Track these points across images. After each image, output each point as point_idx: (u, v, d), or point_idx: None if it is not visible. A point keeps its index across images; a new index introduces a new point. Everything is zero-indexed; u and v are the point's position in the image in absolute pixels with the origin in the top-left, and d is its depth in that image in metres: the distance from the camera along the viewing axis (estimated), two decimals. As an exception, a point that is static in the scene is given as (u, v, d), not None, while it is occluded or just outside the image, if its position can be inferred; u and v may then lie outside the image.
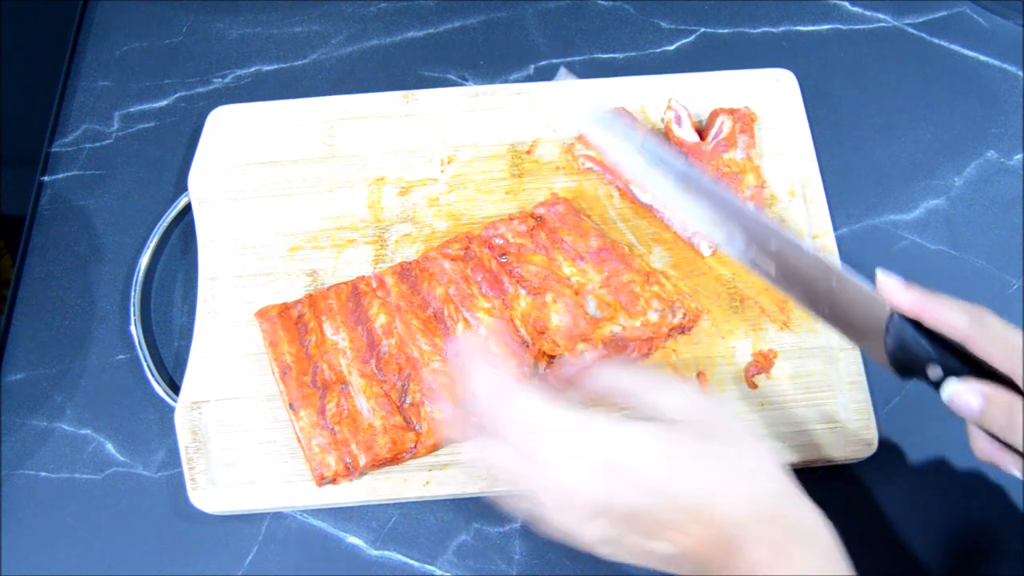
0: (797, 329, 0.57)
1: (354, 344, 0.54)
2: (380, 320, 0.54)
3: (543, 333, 0.54)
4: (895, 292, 0.44)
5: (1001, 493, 0.54)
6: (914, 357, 0.43)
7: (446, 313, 0.55)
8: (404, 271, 0.56)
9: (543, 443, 0.39)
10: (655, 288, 0.55)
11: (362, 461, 0.51)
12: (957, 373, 0.42)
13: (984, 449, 0.43)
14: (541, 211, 0.58)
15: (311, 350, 0.54)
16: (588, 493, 0.38)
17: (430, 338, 0.54)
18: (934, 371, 0.42)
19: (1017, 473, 0.42)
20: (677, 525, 0.38)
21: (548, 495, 0.39)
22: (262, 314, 0.55)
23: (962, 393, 0.41)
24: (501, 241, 0.57)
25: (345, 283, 0.56)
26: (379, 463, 0.52)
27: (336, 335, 0.54)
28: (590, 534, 0.39)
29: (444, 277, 0.56)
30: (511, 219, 0.58)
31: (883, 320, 0.44)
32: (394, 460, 0.52)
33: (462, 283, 0.55)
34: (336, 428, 0.52)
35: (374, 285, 0.56)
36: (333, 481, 0.52)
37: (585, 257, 0.56)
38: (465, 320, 0.55)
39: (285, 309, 0.55)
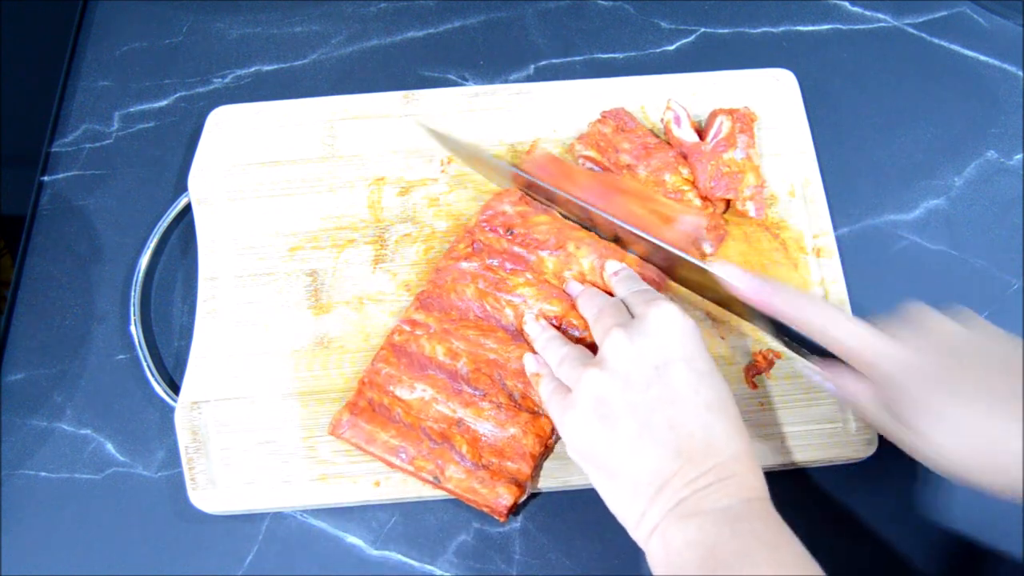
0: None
1: (437, 386, 0.52)
2: (439, 352, 0.53)
3: (582, 282, 0.55)
4: (738, 288, 0.49)
5: (1001, 493, 0.54)
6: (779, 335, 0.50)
7: (488, 309, 0.55)
8: (424, 300, 0.55)
9: None
10: (655, 206, 0.56)
11: (525, 469, 0.51)
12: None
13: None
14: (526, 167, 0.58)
15: (406, 420, 0.52)
16: None
17: (492, 335, 0.54)
18: (794, 345, 0.50)
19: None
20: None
21: None
22: (336, 427, 0.52)
23: (815, 379, 0.48)
24: (502, 218, 0.57)
25: (382, 347, 0.54)
26: (538, 462, 0.52)
27: (415, 392, 0.53)
28: None
29: (466, 278, 0.55)
30: (500, 195, 0.58)
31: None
32: (547, 451, 0.53)
33: (487, 273, 0.55)
34: (484, 462, 0.51)
35: (408, 329, 0.54)
36: (514, 506, 0.51)
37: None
38: (509, 303, 0.54)
39: (353, 406, 0.52)
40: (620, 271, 0.54)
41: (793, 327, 0.47)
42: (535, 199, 0.58)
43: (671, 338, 0.46)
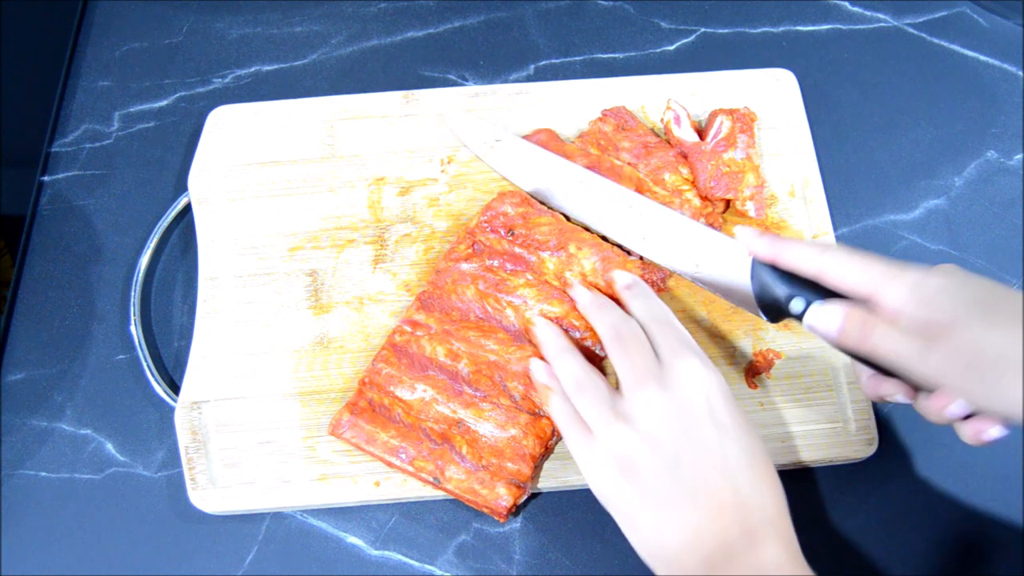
0: (797, 329, 0.57)
1: (437, 387, 0.52)
2: (440, 352, 0.53)
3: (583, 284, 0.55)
4: (751, 241, 0.49)
5: (1001, 493, 0.54)
6: (778, 296, 0.48)
7: (489, 310, 0.54)
8: (425, 301, 0.55)
9: None
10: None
11: (525, 470, 0.50)
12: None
13: (868, 385, 0.47)
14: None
15: (407, 420, 0.52)
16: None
17: (493, 336, 0.53)
18: (797, 304, 0.47)
19: (903, 399, 0.45)
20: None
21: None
22: (336, 427, 0.52)
23: (820, 315, 0.45)
24: (503, 219, 0.57)
25: (383, 348, 0.54)
26: (538, 463, 0.52)
27: (415, 392, 0.52)
28: None
29: (467, 279, 0.55)
30: (501, 196, 0.58)
31: (746, 268, 0.50)
32: (547, 451, 0.53)
33: (487, 275, 0.55)
34: (484, 463, 0.51)
35: (409, 330, 0.54)
36: (514, 507, 0.51)
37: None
38: (510, 304, 0.54)
39: (353, 406, 0.52)
40: (633, 285, 0.53)
41: (809, 276, 0.46)
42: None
43: (699, 396, 0.45)
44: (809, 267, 0.46)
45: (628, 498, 0.44)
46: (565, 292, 0.54)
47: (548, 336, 0.52)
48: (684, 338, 0.48)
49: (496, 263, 0.55)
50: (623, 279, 0.53)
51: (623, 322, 0.50)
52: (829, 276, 0.45)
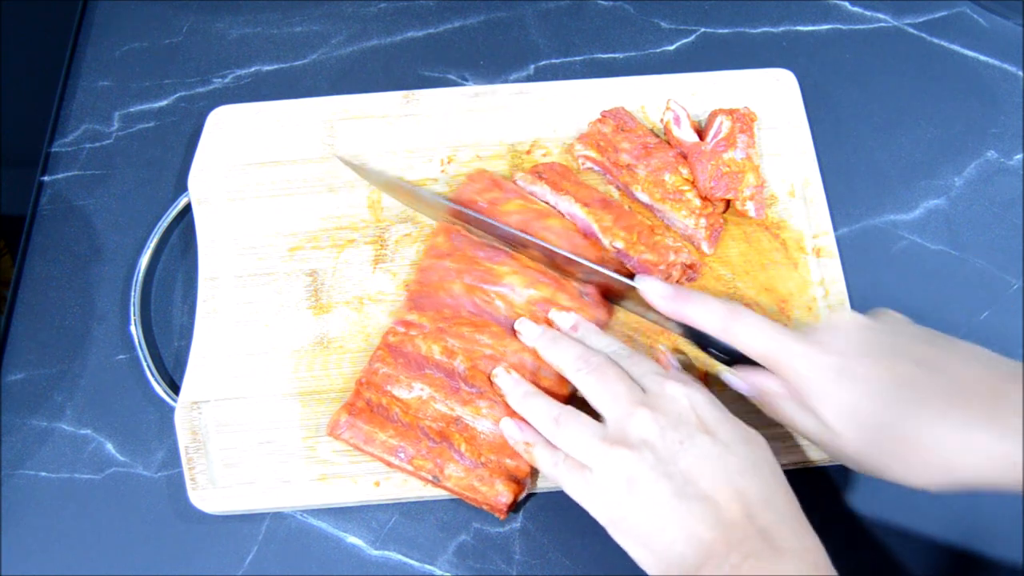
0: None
1: (434, 385, 0.52)
2: (435, 351, 0.53)
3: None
4: (654, 299, 0.49)
5: (1001, 493, 0.54)
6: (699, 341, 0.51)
7: (479, 303, 0.54)
8: (414, 299, 0.55)
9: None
10: (657, 238, 0.56)
11: (524, 467, 0.50)
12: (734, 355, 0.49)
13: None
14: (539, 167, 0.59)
15: (405, 419, 0.52)
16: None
17: (486, 330, 0.53)
18: (716, 354, 0.51)
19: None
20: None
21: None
22: (334, 427, 0.52)
23: (730, 380, 0.49)
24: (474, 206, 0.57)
25: (378, 348, 0.54)
26: None
27: (412, 391, 0.52)
28: None
29: (451, 274, 0.55)
30: (469, 180, 0.57)
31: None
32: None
33: (472, 267, 0.55)
34: (482, 460, 0.51)
35: (403, 330, 0.54)
36: (514, 503, 0.51)
37: (592, 203, 0.57)
38: (499, 295, 0.54)
39: (351, 407, 0.52)
40: (578, 326, 0.53)
41: (708, 334, 0.48)
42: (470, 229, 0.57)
43: (687, 410, 0.45)
44: (714, 330, 0.48)
45: (637, 519, 0.43)
46: (547, 274, 0.55)
47: (509, 384, 0.51)
48: (653, 365, 0.49)
49: (480, 253, 0.55)
50: (565, 321, 0.53)
51: (590, 353, 0.49)
52: (735, 343, 0.47)
